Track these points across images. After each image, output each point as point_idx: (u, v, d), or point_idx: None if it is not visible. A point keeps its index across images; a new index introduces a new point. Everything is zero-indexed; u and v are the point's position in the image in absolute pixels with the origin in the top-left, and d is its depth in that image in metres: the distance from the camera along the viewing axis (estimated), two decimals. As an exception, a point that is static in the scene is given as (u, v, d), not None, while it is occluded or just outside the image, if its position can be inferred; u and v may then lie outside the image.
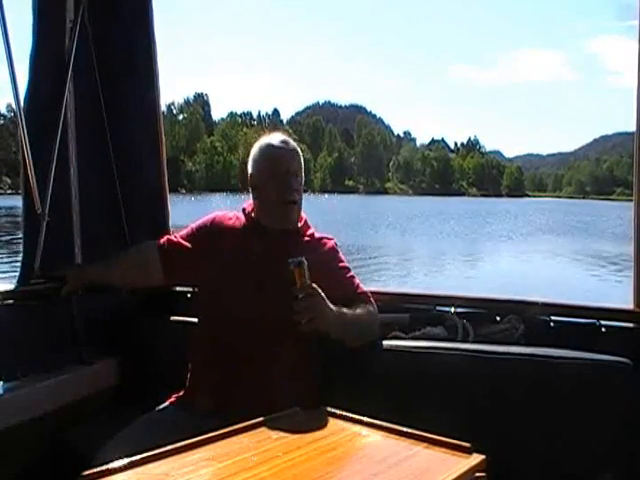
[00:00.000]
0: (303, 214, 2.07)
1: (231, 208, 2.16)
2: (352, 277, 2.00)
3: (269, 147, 2.00)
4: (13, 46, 1.99)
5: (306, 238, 2.03)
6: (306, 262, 1.69)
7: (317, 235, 2.06)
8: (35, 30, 2.15)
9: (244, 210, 2.06)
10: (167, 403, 1.92)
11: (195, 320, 2.05)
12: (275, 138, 2.01)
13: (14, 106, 2.07)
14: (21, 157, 2.09)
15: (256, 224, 2.02)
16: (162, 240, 2.14)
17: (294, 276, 1.69)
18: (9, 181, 50.93)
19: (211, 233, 2.06)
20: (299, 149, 2.05)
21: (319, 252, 1.99)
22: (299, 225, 2.04)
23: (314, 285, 1.70)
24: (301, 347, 1.87)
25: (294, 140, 2.07)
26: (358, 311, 1.88)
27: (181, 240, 2.10)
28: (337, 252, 2.04)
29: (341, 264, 2.02)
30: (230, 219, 2.07)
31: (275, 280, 1.78)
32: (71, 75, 2.23)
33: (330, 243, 2.04)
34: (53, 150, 2.17)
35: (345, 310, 1.82)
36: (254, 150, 2.04)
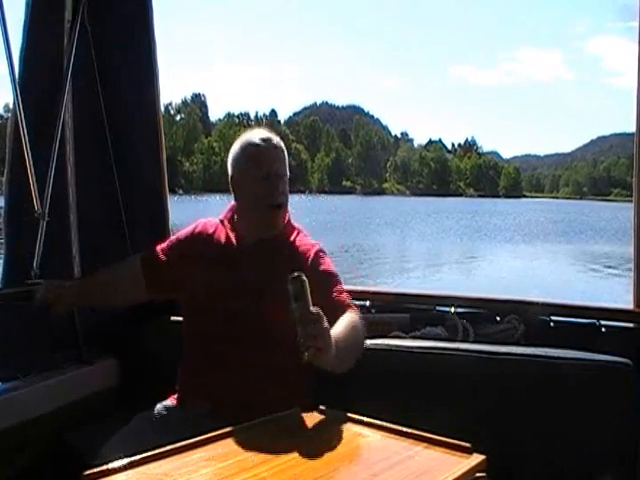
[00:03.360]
0: (287, 213, 1.96)
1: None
2: (335, 284, 1.82)
3: (250, 146, 1.88)
4: (13, 46, 1.99)
5: (288, 242, 1.92)
6: (306, 280, 1.39)
7: (300, 237, 1.94)
8: (33, 30, 2.14)
9: (226, 215, 2.00)
10: (167, 403, 1.91)
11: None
12: (256, 135, 1.89)
13: (13, 107, 2.07)
14: (21, 157, 2.08)
15: (238, 229, 1.95)
16: (145, 254, 2.06)
17: (296, 294, 1.38)
18: (4, 180, 50.95)
19: (194, 242, 1.99)
20: (282, 144, 1.91)
21: (301, 257, 1.86)
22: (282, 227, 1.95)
23: (318, 309, 1.39)
24: (289, 352, 1.82)
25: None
26: (346, 332, 1.61)
27: (163, 253, 2.02)
28: (321, 257, 1.87)
29: (323, 267, 1.85)
30: (213, 226, 2.00)
31: (257, 286, 1.76)
32: (70, 75, 2.22)
33: (313, 249, 1.89)
34: (52, 150, 2.17)
35: (337, 337, 1.50)
36: (234, 149, 1.93)
